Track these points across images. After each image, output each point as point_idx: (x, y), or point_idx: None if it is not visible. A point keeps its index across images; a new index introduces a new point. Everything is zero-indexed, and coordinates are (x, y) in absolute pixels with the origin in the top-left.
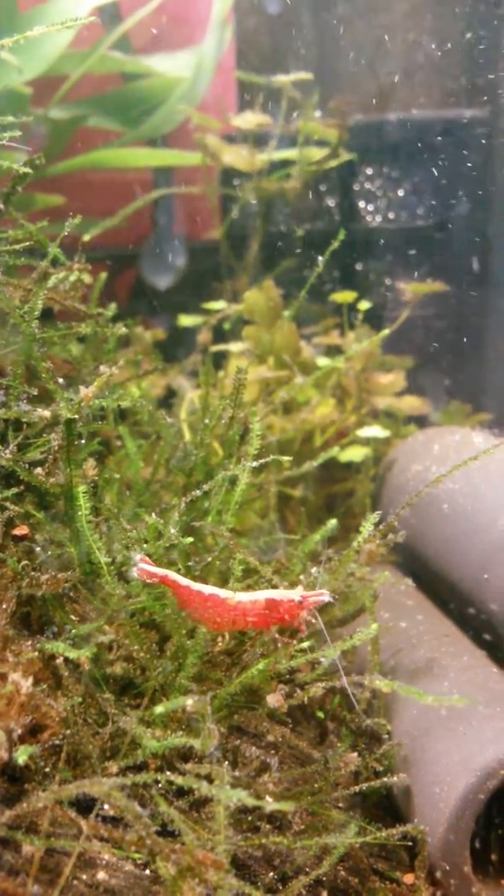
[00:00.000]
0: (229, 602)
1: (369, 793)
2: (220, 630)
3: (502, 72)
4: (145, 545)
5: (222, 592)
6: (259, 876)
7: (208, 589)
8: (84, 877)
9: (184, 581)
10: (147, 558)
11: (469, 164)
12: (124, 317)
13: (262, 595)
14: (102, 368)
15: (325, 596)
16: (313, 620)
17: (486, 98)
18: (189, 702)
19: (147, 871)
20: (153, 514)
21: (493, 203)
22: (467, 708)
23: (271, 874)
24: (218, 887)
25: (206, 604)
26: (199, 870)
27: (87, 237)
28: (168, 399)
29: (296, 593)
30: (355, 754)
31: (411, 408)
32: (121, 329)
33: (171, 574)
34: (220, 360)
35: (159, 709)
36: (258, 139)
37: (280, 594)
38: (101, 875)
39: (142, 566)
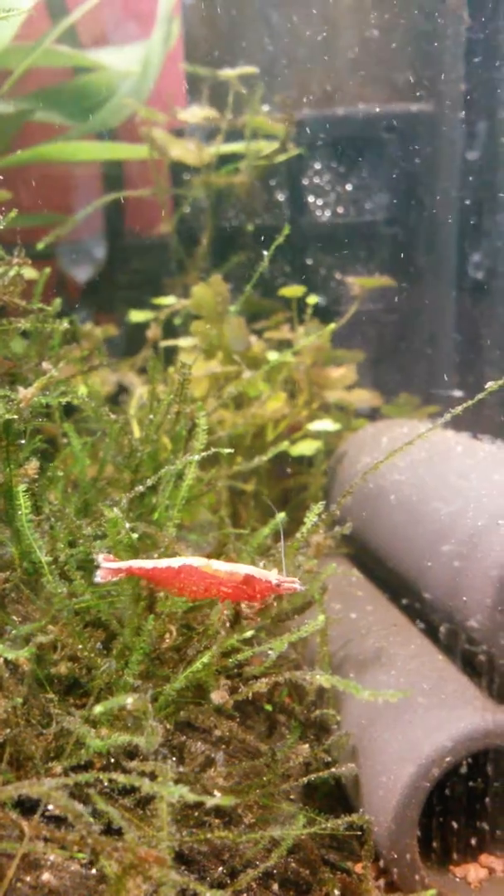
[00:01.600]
0: (205, 570)
1: (320, 784)
2: (197, 598)
3: (447, 66)
4: (97, 542)
5: (195, 561)
6: (208, 871)
7: (177, 561)
8: (28, 878)
9: (150, 564)
10: (109, 556)
11: (415, 159)
12: (75, 313)
13: (241, 569)
14: (45, 365)
15: (297, 584)
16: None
17: (431, 92)
18: (129, 700)
19: (93, 871)
20: (101, 510)
21: (439, 197)
22: (415, 696)
23: (220, 869)
24: (161, 884)
25: (180, 576)
26: (143, 867)
27: (41, 245)
28: (119, 395)
29: (273, 575)
30: (306, 746)
31: (361, 401)
32: (63, 325)
33: (135, 563)
34: (172, 355)
35: (98, 708)
36: (207, 133)
37: (259, 573)
38: (46, 876)
39: (105, 565)
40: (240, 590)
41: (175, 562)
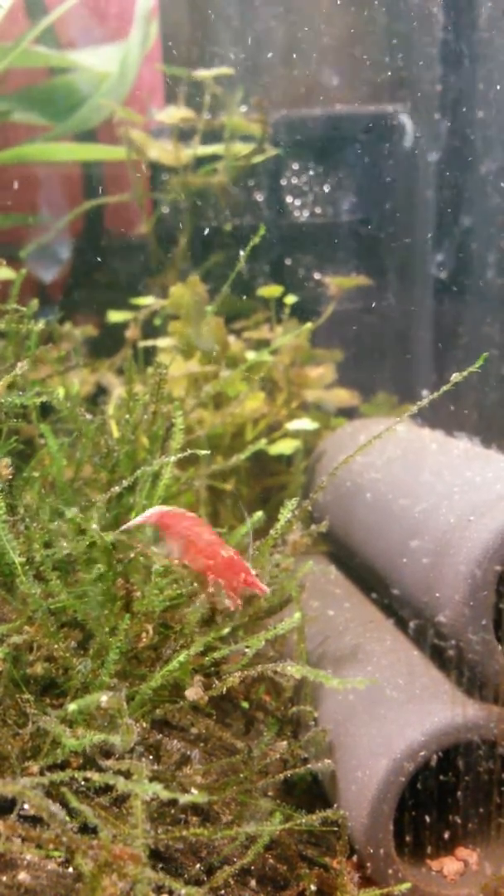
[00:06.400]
0: (207, 535)
1: (298, 780)
2: (189, 559)
3: (423, 66)
4: (66, 542)
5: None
6: (186, 868)
7: (191, 514)
8: (4, 878)
9: (167, 507)
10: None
11: (391, 159)
12: (54, 313)
13: (232, 551)
14: (20, 366)
15: (266, 590)
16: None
17: (406, 93)
18: (104, 698)
19: (70, 870)
20: (73, 511)
21: (415, 197)
22: (389, 691)
23: (198, 866)
24: (136, 881)
25: (193, 523)
26: (119, 864)
27: (24, 253)
28: (98, 396)
29: (252, 571)
30: (284, 742)
31: (340, 400)
32: (38, 326)
33: (157, 508)
34: (153, 356)
35: (72, 706)
36: (186, 134)
37: (245, 562)
38: (23, 876)
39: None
40: (227, 565)
41: (190, 513)
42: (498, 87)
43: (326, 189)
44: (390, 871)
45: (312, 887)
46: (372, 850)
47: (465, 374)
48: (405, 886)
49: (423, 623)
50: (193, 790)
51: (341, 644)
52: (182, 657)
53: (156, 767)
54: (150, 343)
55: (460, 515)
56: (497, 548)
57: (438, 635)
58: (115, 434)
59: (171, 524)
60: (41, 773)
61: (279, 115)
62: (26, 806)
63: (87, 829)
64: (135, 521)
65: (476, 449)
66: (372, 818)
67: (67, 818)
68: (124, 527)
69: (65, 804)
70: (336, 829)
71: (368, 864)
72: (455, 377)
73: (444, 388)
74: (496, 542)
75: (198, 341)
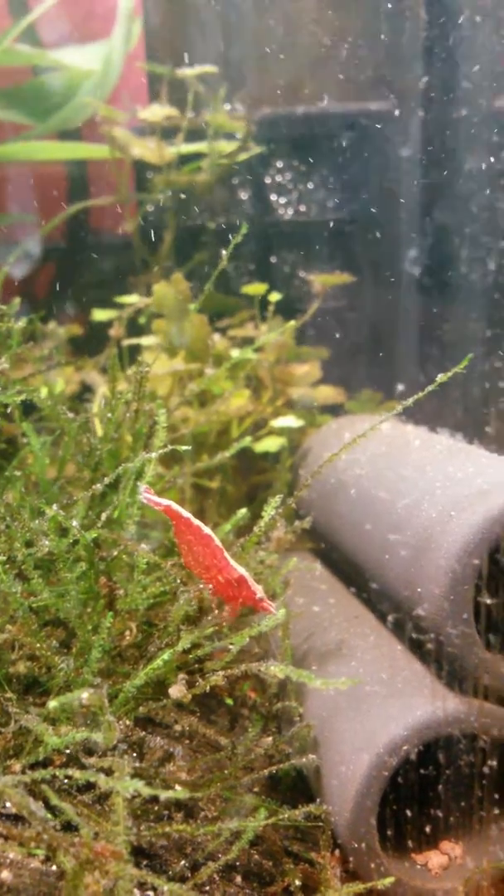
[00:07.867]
0: (218, 549)
1: (283, 776)
2: (192, 569)
3: (406, 64)
4: (47, 541)
5: (216, 540)
6: (170, 864)
7: (206, 528)
8: None
9: (185, 513)
10: (150, 490)
11: (375, 157)
12: (41, 311)
13: (240, 569)
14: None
15: (274, 610)
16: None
17: (390, 91)
18: (84, 695)
19: (53, 868)
20: (55, 509)
21: (399, 195)
22: (372, 687)
23: (182, 862)
24: (119, 878)
25: (202, 539)
26: (100, 862)
27: (11, 258)
28: (83, 395)
29: (260, 590)
30: (269, 738)
31: (325, 397)
32: (19, 324)
33: (174, 505)
34: (138, 354)
35: (52, 703)
36: (171, 132)
37: (251, 581)
38: (5, 874)
39: (146, 496)
40: (229, 585)
41: (205, 527)
42: (479, 85)
43: (310, 187)
44: (374, 866)
45: (297, 882)
46: (355, 845)
47: (449, 374)
48: (388, 881)
49: (402, 616)
50: (177, 787)
51: (326, 640)
52: (166, 656)
53: (139, 765)
54: (134, 341)
55: (441, 510)
56: (477, 542)
57: (418, 629)
58: (99, 432)
59: (178, 527)
60: (23, 772)
61: (262, 112)
62: (8, 804)
63: (70, 827)
64: (151, 497)
65: (458, 444)
66: (355, 813)
67: (49, 816)
68: (143, 488)
69: (47, 802)
70: (320, 824)
71: (352, 859)
72: (440, 377)
73: (429, 388)
74: (476, 536)
75: (180, 339)
